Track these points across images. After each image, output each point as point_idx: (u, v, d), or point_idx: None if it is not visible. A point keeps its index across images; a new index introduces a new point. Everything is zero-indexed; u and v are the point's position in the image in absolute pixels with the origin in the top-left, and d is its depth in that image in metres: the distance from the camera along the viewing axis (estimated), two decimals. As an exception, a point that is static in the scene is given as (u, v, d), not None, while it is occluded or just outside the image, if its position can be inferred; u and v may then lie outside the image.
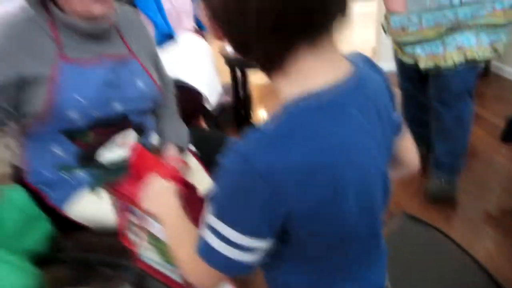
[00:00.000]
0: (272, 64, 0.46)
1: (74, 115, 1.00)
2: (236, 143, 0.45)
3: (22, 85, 0.97)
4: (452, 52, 1.51)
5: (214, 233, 0.47)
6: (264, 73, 0.49)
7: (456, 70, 1.53)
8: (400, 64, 1.74)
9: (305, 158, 0.43)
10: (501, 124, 1.81)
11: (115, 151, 1.11)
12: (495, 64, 2.97)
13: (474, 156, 2.07)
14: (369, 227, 0.54)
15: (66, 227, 1.05)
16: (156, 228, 0.78)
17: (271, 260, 0.53)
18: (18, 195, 0.98)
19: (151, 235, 0.81)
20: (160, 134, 1.25)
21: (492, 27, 1.48)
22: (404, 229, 0.94)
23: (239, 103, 2.04)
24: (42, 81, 0.98)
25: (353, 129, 0.47)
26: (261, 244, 0.47)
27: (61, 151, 1.06)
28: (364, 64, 0.53)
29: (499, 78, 2.93)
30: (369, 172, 0.49)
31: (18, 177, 1.10)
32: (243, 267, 0.48)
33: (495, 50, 1.52)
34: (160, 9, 1.98)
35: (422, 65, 1.57)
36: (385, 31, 1.68)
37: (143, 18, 1.81)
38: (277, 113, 0.45)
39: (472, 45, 1.50)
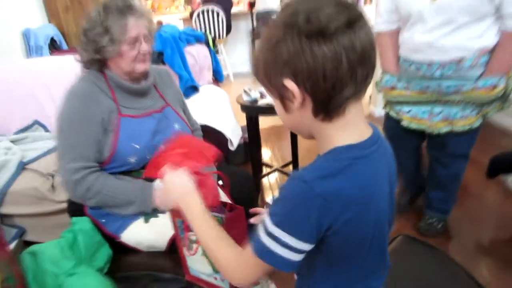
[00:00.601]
0: (329, 114, 0.60)
1: (132, 159, 1.24)
2: (299, 173, 0.59)
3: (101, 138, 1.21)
4: (438, 121, 1.56)
5: (274, 239, 0.59)
6: (314, 120, 0.61)
7: (453, 134, 1.55)
8: (388, 116, 1.78)
9: (349, 190, 0.58)
10: (487, 162, 1.98)
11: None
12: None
13: (466, 192, 2.25)
14: (380, 244, 0.68)
15: (121, 250, 1.25)
16: None
17: (305, 268, 0.68)
18: (87, 224, 1.19)
19: None
20: None
21: (479, 102, 1.48)
22: (404, 248, 1.12)
23: (251, 142, 2.27)
24: (109, 134, 1.22)
25: (379, 174, 0.64)
26: (308, 247, 0.60)
27: None
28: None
29: (493, 127, 3.10)
30: (385, 204, 0.66)
31: (78, 210, 1.29)
32: (292, 264, 0.61)
33: (484, 117, 1.53)
34: (185, 64, 2.28)
35: (405, 123, 1.63)
36: (377, 87, 1.77)
37: (171, 72, 2.10)
38: (328, 153, 0.61)
39: (458, 118, 1.52)
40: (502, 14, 1.37)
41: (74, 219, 1.21)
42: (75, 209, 1.30)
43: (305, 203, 0.57)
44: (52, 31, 3.43)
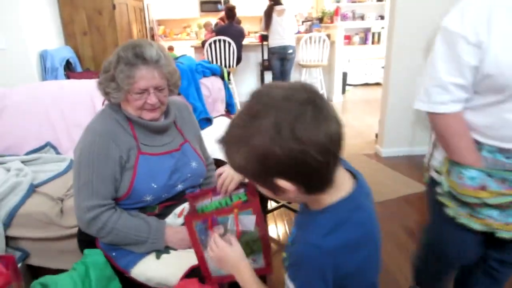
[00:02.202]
0: (322, 189, 0.67)
1: (148, 198, 1.25)
2: (304, 238, 0.68)
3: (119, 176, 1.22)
4: None
5: None
6: (306, 195, 0.67)
7: None
8: (453, 225, 1.16)
9: (351, 238, 0.67)
10: None
11: (174, 219, 1.32)
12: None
13: None
14: (375, 283, 0.77)
15: (130, 285, 1.23)
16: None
17: None
18: (99, 257, 1.18)
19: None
20: None
21: None
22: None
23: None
24: (127, 171, 1.22)
25: (371, 220, 0.74)
26: None
27: None
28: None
29: None
30: (378, 247, 0.76)
31: (89, 242, 1.28)
32: None
33: None
34: (199, 96, 2.32)
35: (503, 234, 1.11)
36: (442, 185, 1.15)
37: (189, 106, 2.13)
38: (323, 211, 0.68)
39: None
40: None
41: (87, 251, 1.20)
42: (86, 239, 1.29)
43: (319, 265, 0.65)
44: (68, 53, 3.52)
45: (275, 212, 2.52)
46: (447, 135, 1.10)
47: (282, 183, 0.62)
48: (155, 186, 1.24)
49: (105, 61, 1.23)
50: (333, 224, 0.67)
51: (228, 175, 1.11)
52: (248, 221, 0.95)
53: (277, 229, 2.34)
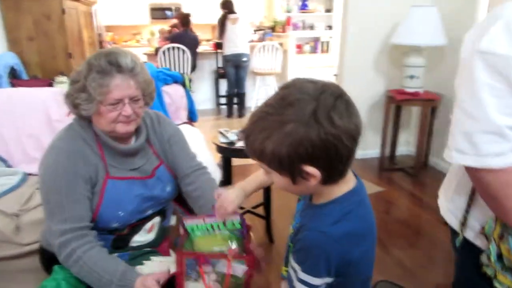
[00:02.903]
0: (336, 181, 0.71)
1: (115, 225, 1.17)
2: (313, 225, 0.71)
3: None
4: None
5: (305, 284, 0.71)
6: (320, 186, 0.70)
7: None
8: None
9: (356, 229, 0.72)
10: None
11: (144, 235, 1.28)
12: (432, 159, 3.55)
13: (420, 234, 2.46)
14: (370, 277, 0.81)
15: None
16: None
17: None
18: (67, 273, 1.12)
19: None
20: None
21: None
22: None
23: (225, 183, 2.30)
24: (94, 196, 1.14)
25: (371, 216, 0.79)
26: (329, 280, 0.72)
27: (99, 240, 1.15)
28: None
29: (435, 170, 3.49)
30: (375, 243, 0.80)
31: (53, 259, 1.16)
32: None
33: None
34: (162, 104, 2.29)
35: None
36: (490, 253, 0.86)
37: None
38: (331, 202, 0.72)
39: None
40: None
41: (57, 267, 1.14)
42: (49, 257, 1.19)
43: (326, 251, 0.69)
44: (12, 59, 3.30)
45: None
46: (501, 196, 0.79)
47: (310, 169, 0.65)
48: (121, 214, 1.16)
49: (73, 72, 1.15)
50: (341, 214, 0.71)
51: (228, 197, 1.01)
52: (239, 269, 0.94)
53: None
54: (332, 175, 0.69)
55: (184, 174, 1.32)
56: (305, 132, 0.62)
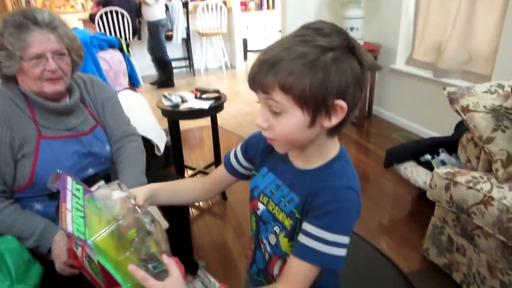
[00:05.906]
0: (337, 131, 0.69)
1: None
2: (344, 183, 0.67)
3: (15, 162, 1.11)
4: None
5: (338, 246, 0.66)
6: (321, 136, 0.68)
7: None
8: None
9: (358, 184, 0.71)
10: (383, 154, 2.35)
11: None
12: (376, 108, 3.71)
13: (367, 180, 2.62)
14: None
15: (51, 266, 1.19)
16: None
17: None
18: (13, 243, 1.11)
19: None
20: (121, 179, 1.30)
21: None
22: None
23: (174, 146, 2.30)
24: (26, 158, 1.12)
25: None
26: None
27: (43, 207, 1.19)
28: None
29: (379, 119, 3.67)
30: None
31: None
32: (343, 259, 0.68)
33: None
34: (99, 70, 2.20)
35: None
36: None
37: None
38: (335, 160, 0.71)
39: None
40: None
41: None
42: None
43: (358, 206, 0.68)
44: None
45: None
46: None
47: (341, 103, 0.61)
48: (60, 171, 1.15)
49: None
50: (349, 169, 0.71)
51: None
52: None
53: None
54: (346, 121, 0.66)
55: (116, 139, 1.33)
56: (348, 62, 0.61)
